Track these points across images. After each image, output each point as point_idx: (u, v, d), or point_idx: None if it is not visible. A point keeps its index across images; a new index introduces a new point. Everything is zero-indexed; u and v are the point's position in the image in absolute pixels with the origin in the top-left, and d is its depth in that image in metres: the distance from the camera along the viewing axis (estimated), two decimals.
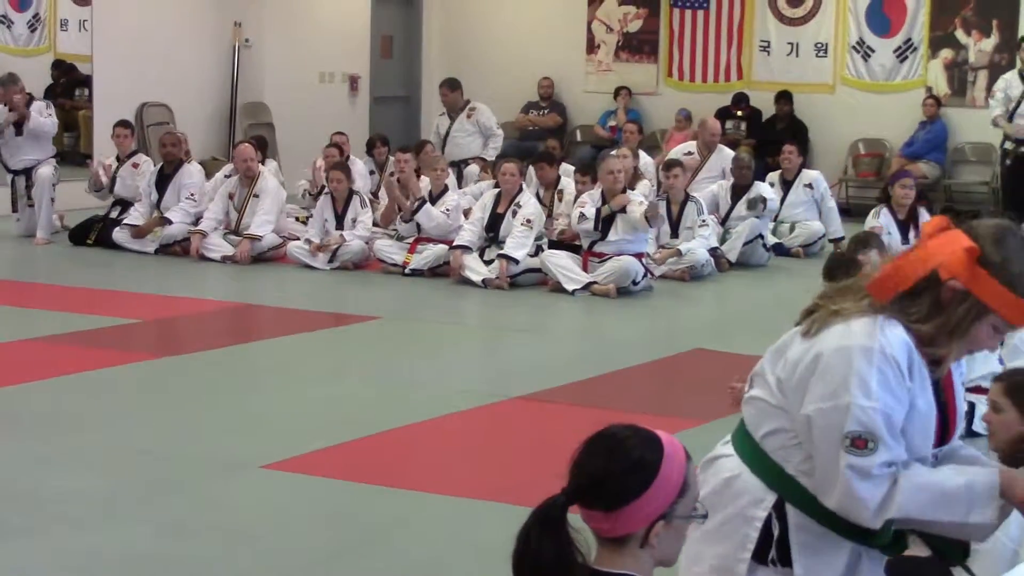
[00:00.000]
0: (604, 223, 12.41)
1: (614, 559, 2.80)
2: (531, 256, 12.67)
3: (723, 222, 14.16)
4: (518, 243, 12.58)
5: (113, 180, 14.45)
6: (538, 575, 2.73)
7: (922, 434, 3.40)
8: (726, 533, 3.53)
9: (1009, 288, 3.33)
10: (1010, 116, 15.16)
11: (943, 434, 3.47)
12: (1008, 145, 15.29)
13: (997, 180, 16.36)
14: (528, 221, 12.70)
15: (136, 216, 14.06)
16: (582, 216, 12.38)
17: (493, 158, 16.02)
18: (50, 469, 7.00)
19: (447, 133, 16.75)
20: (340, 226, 13.54)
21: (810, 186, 14.84)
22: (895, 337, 3.34)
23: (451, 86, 16.99)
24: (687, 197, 13.56)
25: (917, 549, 3.73)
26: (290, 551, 6.01)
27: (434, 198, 13.38)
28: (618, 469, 2.80)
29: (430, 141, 15.94)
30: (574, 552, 2.74)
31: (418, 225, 13.19)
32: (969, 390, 8.01)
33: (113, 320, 10.66)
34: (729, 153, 15.22)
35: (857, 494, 3.28)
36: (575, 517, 2.81)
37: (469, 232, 12.83)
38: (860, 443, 3.27)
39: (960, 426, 3.55)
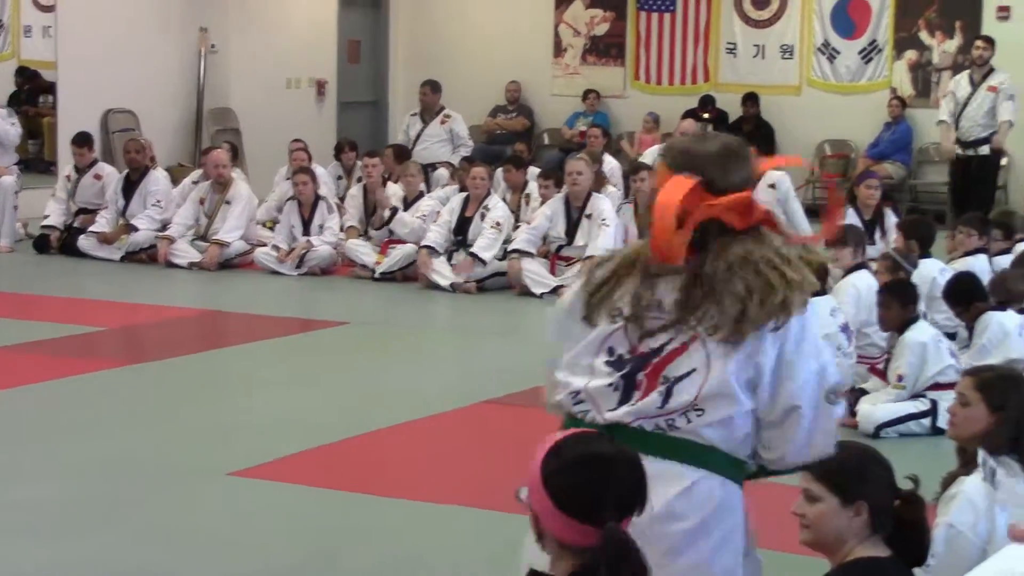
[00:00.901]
0: (570, 227, 12.43)
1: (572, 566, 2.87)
2: (499, 260, 12.67)
3: None
4: (487, 244, 12.58)
5: (74, 190, 14.37)
6: None
7: None
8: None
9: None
10: (957, 118, 14.94)
11: None
12: (957, 149, 15.06)
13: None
14: (497, 224, 12.70)
15: (102, 223, 13.98)
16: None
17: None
18: (16, 478, 6.95)
19: (418, 136, 16.72)
20: (307, 232, 13.51)
21: (773, 186, 14.84)
22: None
23: (433, 88, 16.99)
24: None
25: (875, 548, 3.73)
26: (258, 558, 5.97)
27: (408, 203, 13.38)
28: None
29: (402, 145, 15.92)
30: None
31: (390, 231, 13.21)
32: (929, 388, 8.08)
33: (79, 328, 10.60)
34: None
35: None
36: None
37: (436, 234, 12.81)
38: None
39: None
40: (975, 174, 14.84)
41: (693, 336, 3.43)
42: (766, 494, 6.93)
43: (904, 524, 3.75)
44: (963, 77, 15.02)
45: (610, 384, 3.46)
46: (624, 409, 3.44)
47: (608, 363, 3.48)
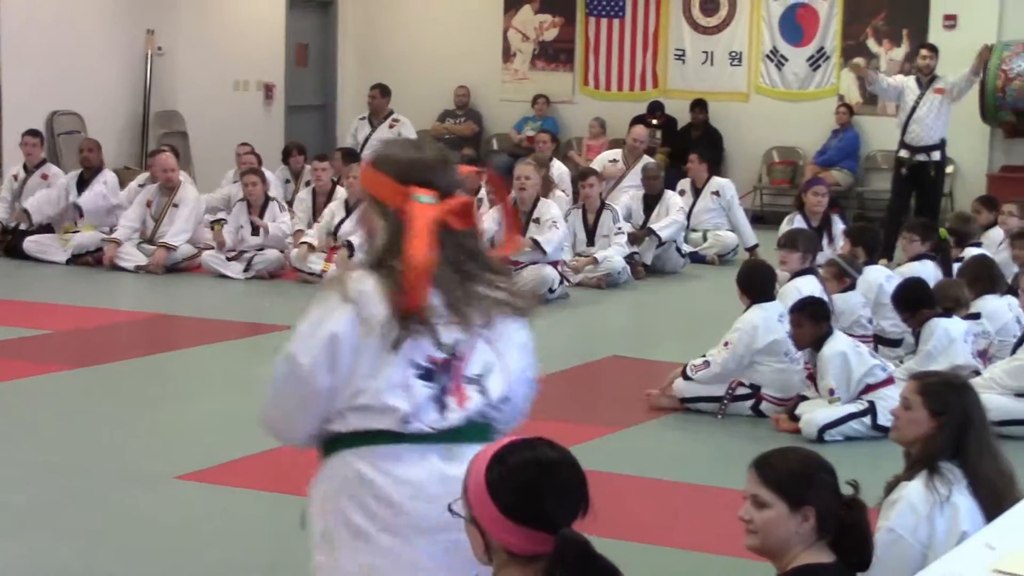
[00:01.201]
0: (519, 231, 12.43)
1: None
2: None
3: (643, 226, 14.22)
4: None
5: (20, 190, 14.29)
6: None
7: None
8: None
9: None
10: (905, 123, 14.64)
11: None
12: (903, 154, 14.70)
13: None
14: None
15: (124, 232, 13.82)
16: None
17: None
18: None
19: (366, 139, 16.70)
20: (255, 233, 13.47)
21: (717, 193, 14.94)
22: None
23: (383, 91, 16.98)
24: (603, 205, 13.61)
25: (820, 554, 3.75)
26: (205, 563, 5.95)
27: (351, 207, 13.36)
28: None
29: (350, 148, 15.89)
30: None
31: (337, 226, 13.20)
32: (863, 392, 8.16)
33: (24, 331, 10.53)
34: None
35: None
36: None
37: None
38: None
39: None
40: (924, 181, 14.57)
41: (476, 332, 3.53)
42: (712, 499, 6.99)
43: (847, 529, 3.77)
44: (911, 81, 14.78)
45: (429, 396, 3.50)
46: (451, 416, 3.50)
47: (419, 376, 3.49)
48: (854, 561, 3.76)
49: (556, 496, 2.91)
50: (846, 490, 3.89)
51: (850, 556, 3.76)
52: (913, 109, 14.49)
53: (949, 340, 8.55)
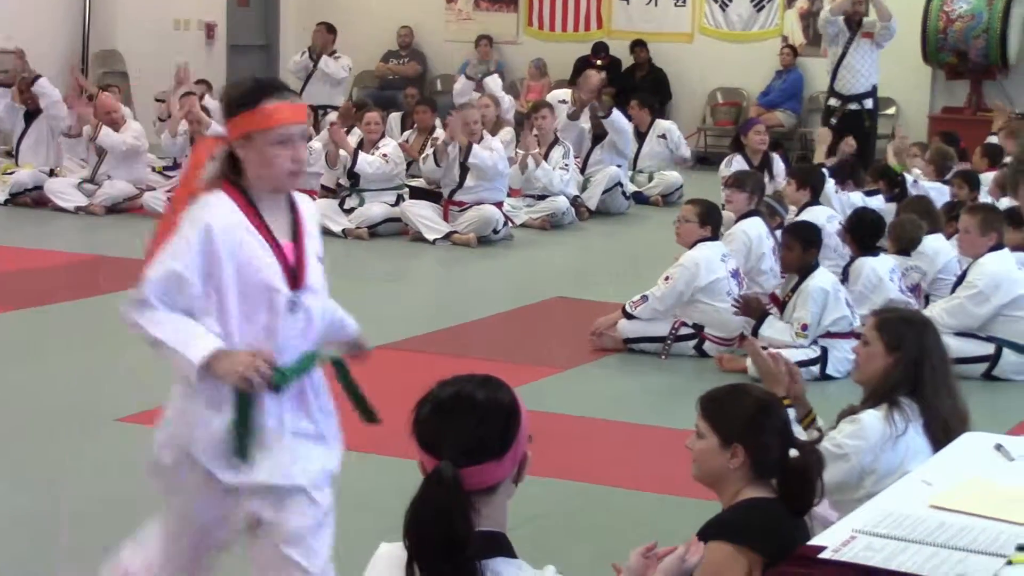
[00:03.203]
0: (460, 172, 12.43)
1: (479, 514, 2.83)
2: (391, 206, 12.62)
3: (583, 169, 14.23)
4: (371, 162, 12.55)
5: None
6: (445, 548, 2.75)
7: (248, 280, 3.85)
8: None
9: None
10: (834, 70, 14.23)
11: (294, 279, 3.91)
12: (833, 102, 14.30)
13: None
14: (385, 156, 12.61)
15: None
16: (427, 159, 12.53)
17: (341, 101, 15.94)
18: None
19: (308, 77, 16.53)
20: None
21: (663, 136, 14.95)
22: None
23: (328, 28, 16.88)
24: (555, 140, 13.61)
25: (762, 490, 3.79)
26: (147, 503, 5.92)
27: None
28: (496, 417, 2.86)
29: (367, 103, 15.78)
30: (472, 516, 2.78)
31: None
32: (823, 336, 8.19)
33: None
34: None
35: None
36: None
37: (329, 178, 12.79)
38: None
39: (309, 272, 3.96)
40: (857, 129, 13.87)
41: None
42: (655, 438, 7.02)
43: (791, 473, 3.80)
44: (841, 24, 14.17)
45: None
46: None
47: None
48: (796, 506, 3.79)
49: (440, 429, 2.86)
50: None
51: (791, 500, 3.79)
52: (843, 55, 14.14)
53: (878, 278, 8.60)
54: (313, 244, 4.00)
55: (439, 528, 2.75)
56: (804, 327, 8.08)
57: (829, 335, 8.17)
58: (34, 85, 13.98)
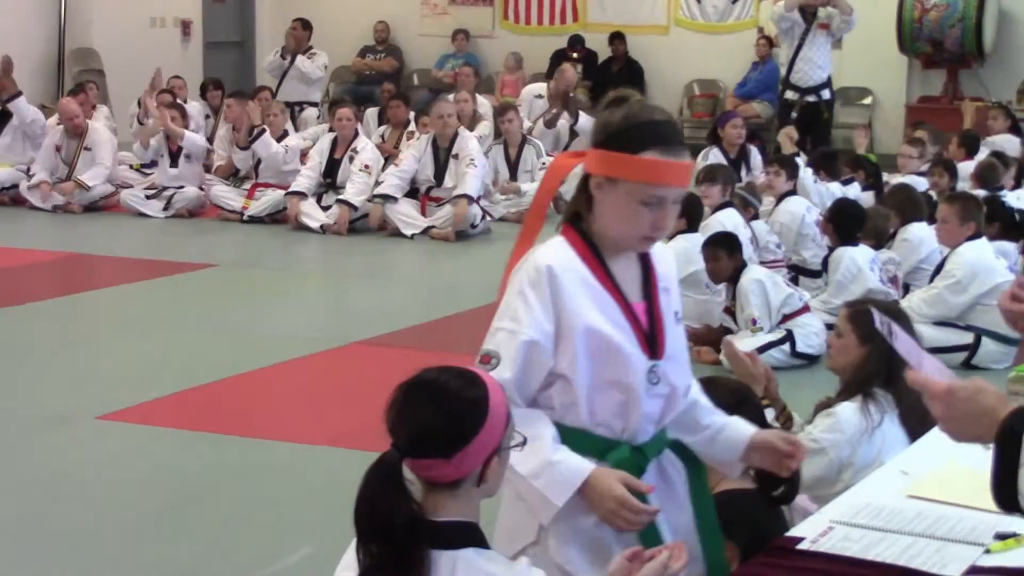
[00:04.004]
0: (439, 169, 12.43)
1: (446, 505, 2.78)
2: (369, 201, 12.61)
3: None
4: (357, 189, 12.51)
5: None
6: (388, 535, 2.71)
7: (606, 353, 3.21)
8: None
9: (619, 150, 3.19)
10: (791, 62, 14.10)
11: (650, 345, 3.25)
12: (790, 95, 14.14)
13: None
14: (366, 166, 12.63)
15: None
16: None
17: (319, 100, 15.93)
18: None
19: (284, 73, 16.52)
20: (175, 165, 13.37)
21: None
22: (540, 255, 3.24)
23: (304, 25, 16.82)
24: (524, 140, 13.60)
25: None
26: (127, 502, 5.92)
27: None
28: (452, 413, 2.76)
29: (267, 87, 15.74)
30: (412, 506, 2.72)
31: (257, 162, 13.06)
32: (780, 321, 8.25)
33: None
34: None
35: None
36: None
37: (305, 178, 12.73)
38: (485, 359, 3.24)
39: (668, 336, 3.28)
40: (815, 122, 13.90)
41: None
42: None
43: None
44: (796, 15, 14.01)
45: None
46: None
47: None
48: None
49: (398, 414, 2.83)
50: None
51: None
52: (799, 47, 13.95)
53: (857, 268, 8.62)
54: (670, 302, 3.33)
55: (374, 514, 2.71)
56: (754, 321, 8.15)
57: (786, 318, 8.22)
58: (11, 102, 13.98)
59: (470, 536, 2.79)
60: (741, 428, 3.38)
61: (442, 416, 2.76)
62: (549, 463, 3.12)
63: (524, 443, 2.91)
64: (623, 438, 3.23)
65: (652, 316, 3.25)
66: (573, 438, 3.19)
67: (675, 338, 3.29)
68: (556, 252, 3.22)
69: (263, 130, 13.05)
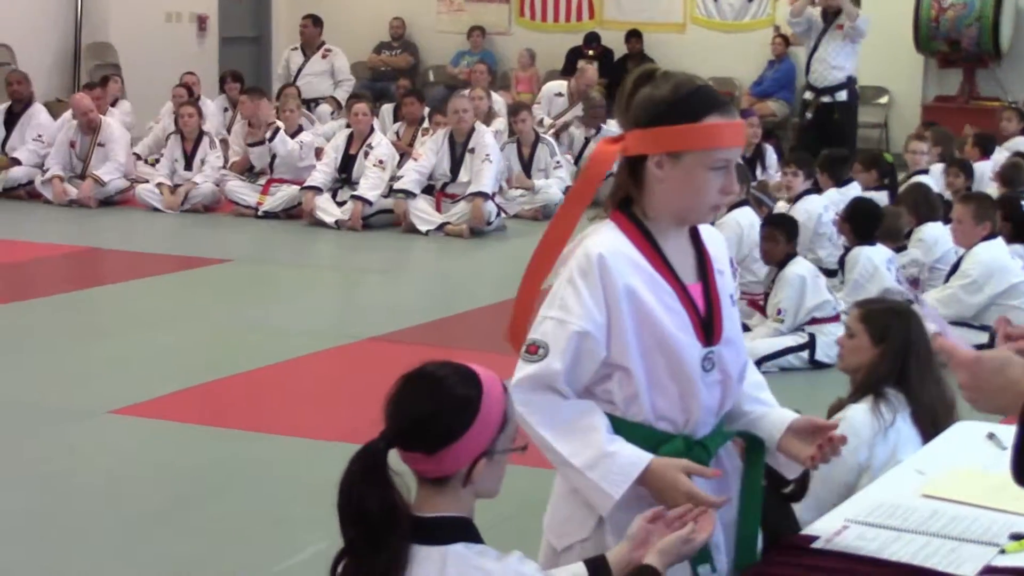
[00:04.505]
0: (454, 164, 12.43)
1: (435, 501, 2.76)
2: (384, 197, 12.61)
3: (577, 161, 14.22)
4: (372, 184, 12.51)
5: None
6: (361, 521, 2.69)
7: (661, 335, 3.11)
8: None
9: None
10: (808, 62, 13.97)
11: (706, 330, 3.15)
12: (808, 96, 14.06)
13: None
14: (380, 162, 12.64)
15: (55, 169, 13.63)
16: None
17: (344, 100, 15.96)
18: None
19: (299, 70, 16.58)
20: (189, 167, 13.37)
21: None
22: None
23: (315, 21, 16.91)
24: (537, 138, 13.59)
25: None
26: (138, 496, 5.92)
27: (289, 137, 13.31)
28: (439, 409, 2.73)
29: (292, 84, 15.78)
30: (396, 497, 2.69)
31: (272, 157, 13.06)
32: (808, 323, 8.21)
33: None
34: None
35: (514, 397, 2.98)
36: (395, 458, 2.76)
37: (321, 173, 12.74)
38: (532, 348, 3.15)
39: (724, 320, 3.18)
40: (828, 124, 13.69)
41: None
42: None
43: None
44: (816, 16, 13.92)
45: None
46: None
47: None
48: (784, 494, 3.78)
49: (392, 403, 2.81)
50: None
51: (780, 485, 3.77)
52: (815, 47, 13.85)
53: (873, 268, 8.60)
54: (725, 284, 3.22)
55: (350, 499, 2.70)
56: (779, 311, 8.15)
57: (815, 321, 8.20)
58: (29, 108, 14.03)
59: (461, 531, 2.75)
60: (781, 415, 3.30)
61: (428, 411, 2.73)
62: (605, 454, 3.05)
63: (525, 448, 2.85)
64: (684, 432, 3.15)
65: (708, 298, 3.16)
66: (637, 434, 3.11)
67: (731, 321, 3.19)
68: (607, 239, 3.14)
69: (278, 128, 13.06)
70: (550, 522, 3.29)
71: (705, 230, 3.25)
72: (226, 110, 15.45)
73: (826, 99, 13.94)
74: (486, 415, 2.74)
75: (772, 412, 3.30)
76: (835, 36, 13.81)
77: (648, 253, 3.13)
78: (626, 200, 3.20)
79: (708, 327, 3.14)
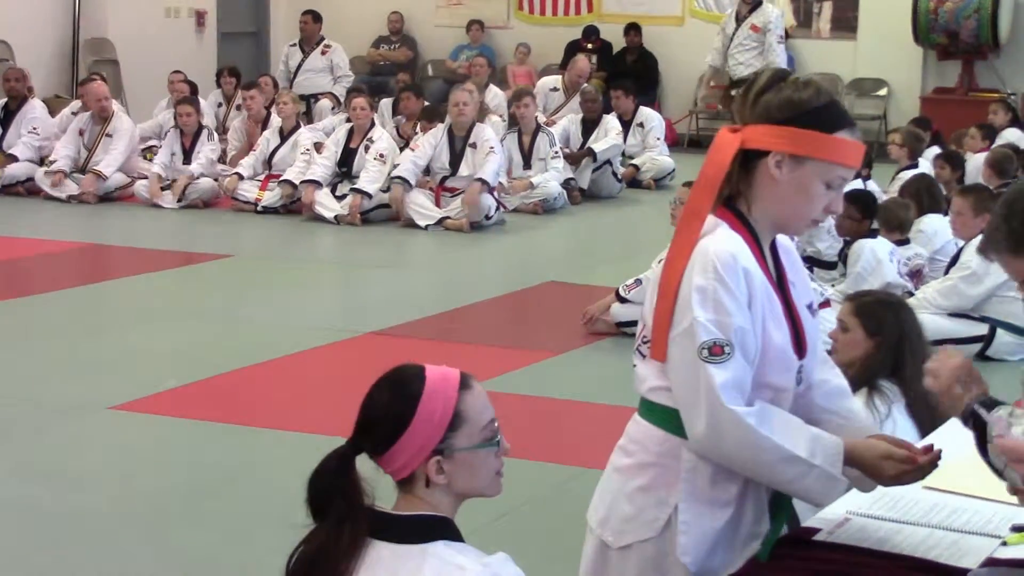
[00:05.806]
0: (454, 158, 12.42)
1: (410, 501, 2.78)
2: (384, 191, 12.61)
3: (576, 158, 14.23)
4: (371, 178, 12.51)
5: None
6: (318, 513, 2.79)
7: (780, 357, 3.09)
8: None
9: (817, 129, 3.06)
10: (725, 54, 14.30)
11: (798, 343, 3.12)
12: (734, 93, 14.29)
13: None
14: (381, 155, 12.63)
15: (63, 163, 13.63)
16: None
17: (343, 95, 15.97)
18: None
19: (298, 66, 16.59)
20: (188, 161, 13.38)
21: (642, 125, 14.92)
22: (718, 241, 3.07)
23: (314, 17, 16.92)
24: (538, 128, 13.58)
25: None
26: (141, 492, 5.93)
27: (285, 134, 13.29)
28: (377, 413, 2.78)
29: (270, 75, 15.80)
30: (360, 498, 2.75)
31: (272, 153, 13.11)
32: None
33: None
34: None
35: (726, 404, 2.95)
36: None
37: (321, 167, 12.73)
38: (717, 350, 2.98)
39: (809, 333, 3.15)
40: None
41: None
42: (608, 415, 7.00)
43: None
44: (732, 9, 14.30)
45: None
46: None
47: None
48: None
49: (368, 411, 2.85)
50: None
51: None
52: (731, 38, 14.43)
53: (877, 260, 8.61)
54: (798, 295, 3.16)
55: (314, 493, 2.83)
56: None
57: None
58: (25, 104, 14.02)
59: (439, 530, 2.75)
60: (859, 430, 3.22)
61: (370, 415, 2.80)
62: (814, 437, 3.02)
63: (495, 440, 2.79)
64: None
65: (790, 310, 3.11)
66: None
67: (814, 332, 3.15)
68: (733, 240, 3.03)
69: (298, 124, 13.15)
70: (605, 519, 3.26)
71: (781, 240, 3.20)
72: (220, 105, 15.44)
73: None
74: (426, 414, 2.73)
75: (849, 427, 3.22)
76: (745, 33, 14.71)
77: (758, 258, 3.07)
78: (730, 197, 3.12)
79: (799, 339, 3.11)
